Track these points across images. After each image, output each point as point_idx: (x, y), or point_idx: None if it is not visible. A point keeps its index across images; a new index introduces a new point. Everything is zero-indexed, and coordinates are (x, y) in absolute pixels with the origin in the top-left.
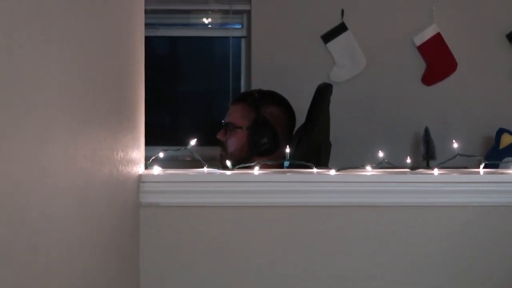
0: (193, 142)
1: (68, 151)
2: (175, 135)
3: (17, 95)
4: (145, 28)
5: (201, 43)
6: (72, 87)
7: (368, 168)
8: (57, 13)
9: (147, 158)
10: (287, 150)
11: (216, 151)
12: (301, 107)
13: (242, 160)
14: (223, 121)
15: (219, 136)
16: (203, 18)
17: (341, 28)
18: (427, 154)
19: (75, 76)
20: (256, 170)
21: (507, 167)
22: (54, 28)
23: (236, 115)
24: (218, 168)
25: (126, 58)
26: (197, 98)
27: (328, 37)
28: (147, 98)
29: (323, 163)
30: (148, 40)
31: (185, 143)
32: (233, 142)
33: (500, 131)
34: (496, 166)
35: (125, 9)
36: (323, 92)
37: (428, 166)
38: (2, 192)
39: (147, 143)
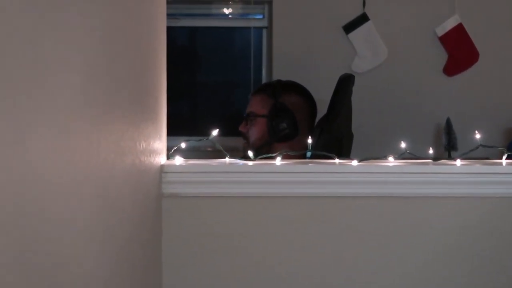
0: (215, 132)
1: (92, 143)
2: (196, 125)
3: (40, 88)
4: (167, 18)
5: (222, 34)
6: (94, 78)
7: (390, 158)
8: (79, 4)
9: (169, 149)
10: (309, 140)
11: (237, 141)
12: (322, 98)
13: (262, 148)
14: (244, 114)
15: (241, 128)
16: (224, 8)
17: (362, 19)
18: (448, 145)
19: (98, 67)
20: (278, 161)
21: None
22: (76, 19)
23: (256, 105)
24: (240, 158)
25: (148, 49)
26: (218, 89)
27: (349, 27)
28: (168, 89)
29: (345, 154)
30: (169, 30)
31: (206, 133)
32: (254, 131)
33: None
34: None
35: None
36: (345, 83)
37: (450, 157)
38: (22, 181)
39: (169, 133)
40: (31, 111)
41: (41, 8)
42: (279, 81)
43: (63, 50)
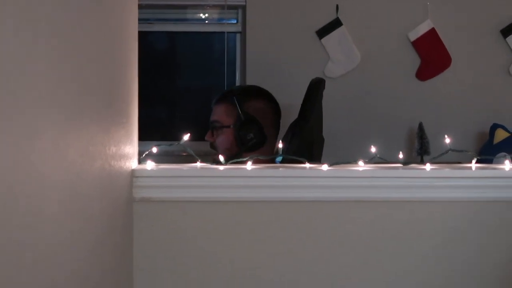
0: (186, 137)
1: (58, 146)
2: (172, 130)
3: (4, 91)
4: (140, 23)
5: (197, 39)
6: (62, 82)
7: (361, 163)
8: (46, 8)
9: (141, 153)
10: (280, 145)
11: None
12: (295, 102)
13: (233, 158)
14: (210, 123)
15: (207, 137)
16: (199, 13)
17: (335, 24)
18: (421, 149)
19: (66, 72)
20: (249, 165)
21: (500, 163)
22: (43, 23)
23: (220, 114)
24: (211, 163)
25: (119, 53)
26: (193, 93)
27: (322, 32)
28: (143, 93)
29: (316, 158)
30: (145, 35)
31: (181, 138)
32: (222, 142)
33: (494, 127)
34: (490, 161)
35: (117, 4)
36: (316, 87)
37: (422, 162)
38: None
39: (143, 138)
40: None
41: (7, 12)
42: (240, 87)
43: (27, 54)
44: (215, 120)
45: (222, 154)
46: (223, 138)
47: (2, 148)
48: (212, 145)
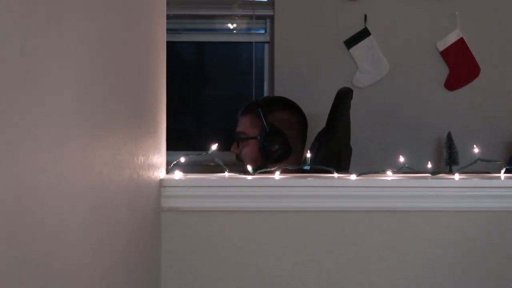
0: (214, 147)
1: (86, 156)
2: (199, 140)
3: (33, 99)
4: (169, 33)
5: (225, 49)
6: (90, 91)
7: (389, 173)
8: (75, 17)
9: (169, 163)
10: (308, 154)
11: None
12: (323, 112)
13: (258, 170)
14: (235, 135)
15: (233, 149)
16: (227, 23)
17: (364, 33)
18: (449, 159)
19: (94, 81)
20: (277, 175)
21: None
22: (72, 32)
23: (246, 126)
24: (239, 173)
25: (147, 63)
26: (222, 103)
27: (351, 42)
28: (171, 104)
29: (343, 168)
30: (173, 45)
31: (209, 148)
32: (247, 153)
33: None
34: None
35: (145, 13)
36: (343, 97)
37: (451, 171)
38: (17, 195)
39: (171, 148)
40: (23, 124)
41: (35, 21)
42: (266, 99)
43: (58, 62)
44: (241, 132)
45: (247, 166)
46: (248, 150)
47: (31, 156)
48: (238, 157)
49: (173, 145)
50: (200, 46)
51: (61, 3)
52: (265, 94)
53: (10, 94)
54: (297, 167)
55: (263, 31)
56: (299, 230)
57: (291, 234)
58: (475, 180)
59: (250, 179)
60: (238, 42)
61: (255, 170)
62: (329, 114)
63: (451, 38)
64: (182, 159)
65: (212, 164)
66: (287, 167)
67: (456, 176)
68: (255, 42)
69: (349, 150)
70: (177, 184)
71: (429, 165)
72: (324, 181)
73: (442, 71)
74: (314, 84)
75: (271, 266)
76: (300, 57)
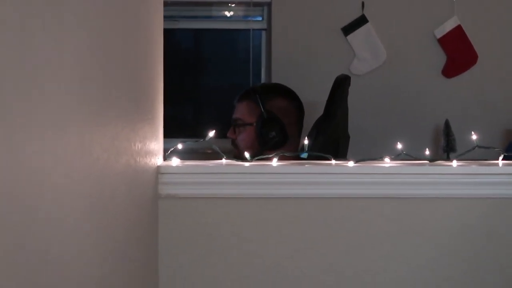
0: (211, 134)
1: (84, 141)
2: (196, 127)
3: (31, 84)
4: (166, 20)
5: (222, 36)
6: (89, 77)
7: (387, 160)
8: (73, 2)
9: (166, 151)
10: (306, 141)
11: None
12: (321, 99)
13: (254, 157)
14: (231, 120)
15: (229, 134)
16: (224, 10)
17: (361, 21)
18: (447, 146)
19: (92, 66)
20: (275, 162)
21: None
22: (70, 18)
23: (242, 112)
24: (236, 159)
25: (145, 50)
26: (218, 90)
27: (348, 29)
28: (168, 91)
29: (341, 155)
30: (170, 32)
31: (206, 135)
32: (243, 139)
33: None
34: None
35: (143, 0)
36: (341, 84)
37: (449, 159)
38: (14, 179)
39: (168, 135)
40: (23, 111)
41: (34, 6)
42: (263, 85)
43: (56, 49)
44: (237, 118)
45: (243, 152)
46: (245, 136)
47: (28, 142)
48: (234, 143)
49: (170, 133)
50: (197, 33)
51: None
52: (263, 81)
53: (11, 82)
54: (295, 154)
55: (260, 18)
56: (297, 217)
57: (289, 221)
58: (473, 167)
59: (248, 166)
60: (235, 29)
61: (252, 157)
62: (327, 102)
63: (449, 25)
64: (180, 146)
65: (209, 151)
66: (284, 154)
67: (454, 163)
68: (253, 29)
69: (347, 137)
70: (175, 171)
71: (427, 152)
72: (322, 168)
73: (439, 58)
74: (311, 71)
75: (269, 252)
76: (298, 44)
